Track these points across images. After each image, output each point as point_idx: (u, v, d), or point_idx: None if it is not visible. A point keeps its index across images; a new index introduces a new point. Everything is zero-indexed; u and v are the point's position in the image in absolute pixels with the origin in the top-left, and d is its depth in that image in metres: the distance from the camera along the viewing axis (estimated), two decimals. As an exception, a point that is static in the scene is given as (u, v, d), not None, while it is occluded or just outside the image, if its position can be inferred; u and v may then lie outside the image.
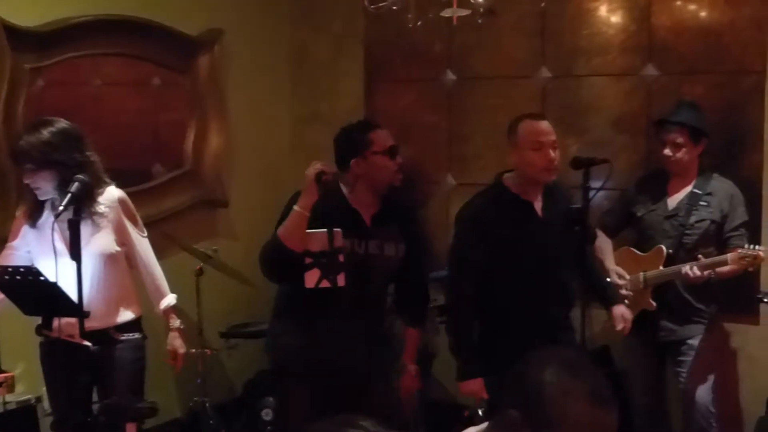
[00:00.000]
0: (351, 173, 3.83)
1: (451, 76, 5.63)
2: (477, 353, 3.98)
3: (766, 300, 4.48)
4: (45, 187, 3.67)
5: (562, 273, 3.90)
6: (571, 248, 3.85)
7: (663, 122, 4.45)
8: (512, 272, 3.89)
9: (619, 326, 4.12)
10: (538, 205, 3.93)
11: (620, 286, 4.47)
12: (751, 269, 4.26)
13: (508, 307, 3.93)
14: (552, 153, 3.82)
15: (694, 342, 4.46)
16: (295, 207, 3.60)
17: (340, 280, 3.64)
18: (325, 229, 3.55)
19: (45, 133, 3.63)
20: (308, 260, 3.62)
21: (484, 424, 2.05)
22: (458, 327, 4.05)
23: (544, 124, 3.89)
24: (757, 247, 4.22)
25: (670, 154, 4.38)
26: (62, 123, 3.71)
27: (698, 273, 4.22)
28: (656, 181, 4.57)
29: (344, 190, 3.86)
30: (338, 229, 3.61)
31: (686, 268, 4.24)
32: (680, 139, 4.36)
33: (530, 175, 3.87)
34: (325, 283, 3.62)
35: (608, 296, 4.21)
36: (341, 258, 3.60)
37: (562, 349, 2.01)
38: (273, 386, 4.87)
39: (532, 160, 3.82)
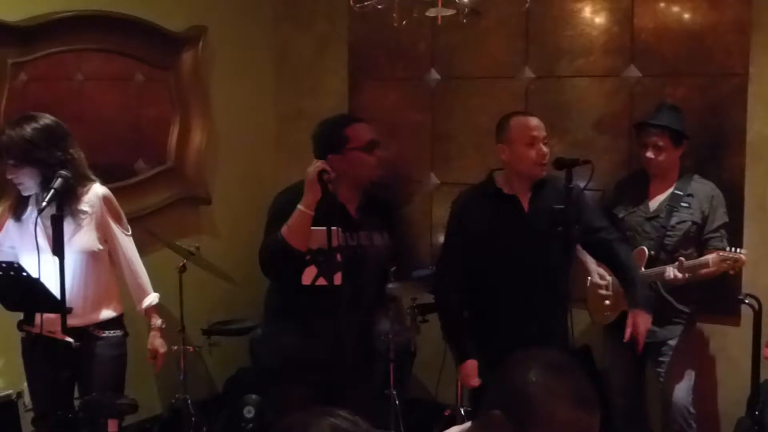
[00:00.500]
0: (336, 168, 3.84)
1: (434, 75, 5.65)
2: (466, 336, 4.01)
3: (747, 301, 4.52)
4: (27, 183, 3.66)
5: (549, 269, 3.88)
6: (557, 247, 3.85)
7: (644, 125, 4.48)
8: (495, 265, 3.91)
9: (627, 332, 3.99)
10: (524, 201, 3.94)
11: (601, 287, 4.49)
12: (732, 272, 4.28)
13: (493, 299, 3.95)
14: (544, 148, 3.85)
15: (674, 343, 4.48)
16: (299, 206, 3.59)
17: (337, 279, 3.64)
18: (324, 228, 3.55)
19: (27, 129, 3.62)
20: (306, 257, 3.63)
21: (467, 424, 2.06)
22: (445, 312, 4.11)
23: (535, 120, 3.92)
24: (738, 249, 4.25)
25: (652, 156, 4.41)
26: (46, 119, 3.70)
27: (679, 275, 4.24)
28: (637, 182, 4.60)
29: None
30: (336, 228, 3.62)
31: (669, 271, 4.26)
32: (661, 142, 4.39)
33: (522, 170, 3.89)
34: (321, 281, 3.63)
35: (630, 296, 4.06)
36: (339, 257, 3.61)
37: (545, 350, 2.00)
38: (258, 385, 4.89)
39: (526, 154, 3.85)
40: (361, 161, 3.78)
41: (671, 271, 4.25)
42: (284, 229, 3.60)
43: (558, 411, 1.84)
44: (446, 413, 5.04)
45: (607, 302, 4.48)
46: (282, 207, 3.71)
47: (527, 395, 1.85)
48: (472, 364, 3.95)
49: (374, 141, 3.81)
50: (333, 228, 3.55)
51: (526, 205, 3.94)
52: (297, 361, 3.80)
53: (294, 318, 3.83)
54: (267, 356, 3.98)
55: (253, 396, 5.06)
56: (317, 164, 3.60)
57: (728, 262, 4.21)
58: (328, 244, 3.54)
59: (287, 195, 3.78)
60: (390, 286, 4.96)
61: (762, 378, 4.53)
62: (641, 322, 3.95)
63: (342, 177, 3.77)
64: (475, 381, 3.93)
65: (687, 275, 4.24)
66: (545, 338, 3.73)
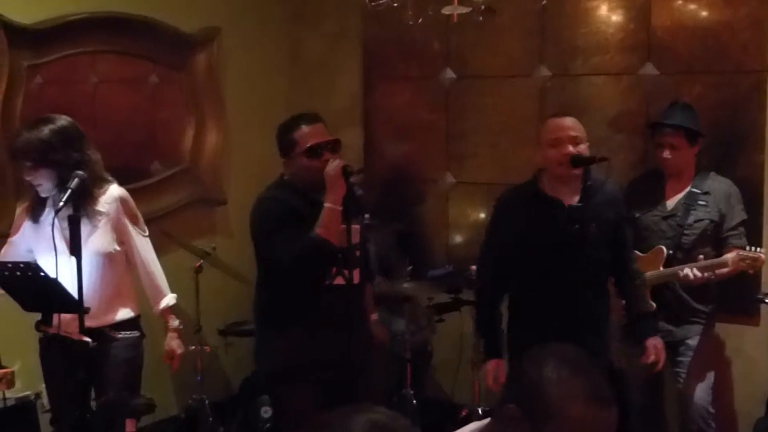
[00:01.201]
0: (286, 171, 3.87)
1: (449, 74, 5.63)
2: (497, 335, 4.04)
3: (767, 301, 4.48)
4: (45, 184, 3.67)
5: (589, 272, 3.86)
6: (598, 249, 3.85)
7: (658, 125, 4.45)
8: (534, 266, 3.89)
9: (650, 359, 4.04)
10: (568, 201, 3.89)
11: None
12: (751, 271, 4.25)
13: (532, 301, 3.93)
14: (571, 148, 3.81)
15: (692, 342, 4.45)
16: (328, 204, 3.62)
17: (356, 277, 3.66)
18: (344, 225, 3.56)
19: (45, 130, 3.62)
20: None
21: (485, 420, 2.05)
22: (478, 308, 4.16)
23: (566, 120, 3.90)
24: (758, 249, 4.22)
25: (668, 156, 4.38)
26: (63, 120, 3.70)
27: (698, 275, 4.22)
28: (652, 182, 4.57)
29: (292, 182, 3.87)
30: (356, 226, 3.63)
31: (686, 271, 4.23)
32: (676, 142, 4.37)
33: (552, 171, 3.89)
34: (339, 280, 3.64)
35: (641, 328, 4.12)
36: (358, 253, 3.62)
37: (562, 346, 2.00)
38: (269, 390, 4.88)
39: (549, 154, 3.84)
40: (305, 166, 3.76)
41: (687, 271, 4.23)
42: (320, 230, 3.62)
43: (572, 407, 1.84)
44: (463, 413, 5.02)
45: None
46: (282, 210, 3.73)
47: (543, 391, 1.86)
48: (496, 364, 3.96)
49: (320, 144, 3.76)
50: (353, 226, 3.58)
51: (567, 206, 3.90)
52: (308, 362, 3.79)
53: (294, 320, 3.81)
54: (276, 359, 3.96)
55: (269, 396, 5.05)
56: (337, 162, 3.63)
57: (747, 261, 4.19)
58: (348, 241, 3.55)
59: (277, 196, 3.80)
60: (405, 285, 4.97)
61: (781, 377, 4.51)
62: (661, 349, 4.07)
63: (295, 179, 3.79)
64: (493, 383, 3.94)
65: (705, 274, 4.21)
66: (582, 335, 3.70)
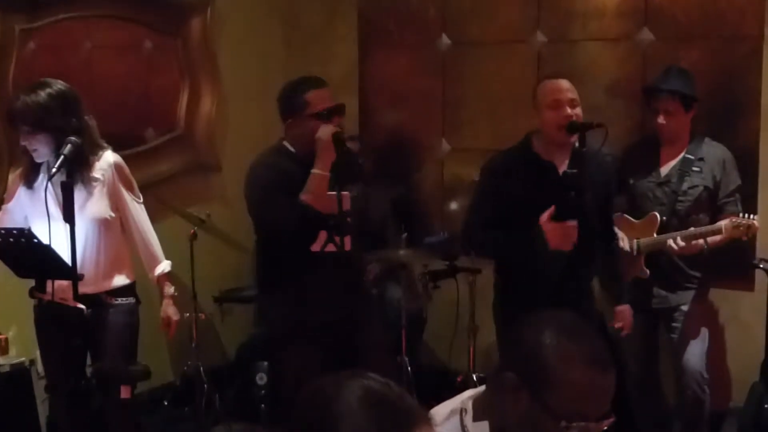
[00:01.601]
0: (289, 132, 3.84)
1: (445, 40, 5.60)
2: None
3: (761, 266, 4.48)
4: (41, 149, 3.63)
5: (582, 236, 3.80)
6: (591, 214, 3.84)
7: (653, 90, 4.43)
8: (527, 228, 3.85)
9: (617, 324, 4.10)
10: (561, 167, 3.89)
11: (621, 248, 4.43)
12: (744, 238, 4.25)
13: (523, 267, 3.90)
14: (569, 110, 3.79)
15: (686, 308, 4.46)
16: (315, 170, 3.62)
17: (347, 244, 3.65)
18: (334, 192, 3.55)
19: (42, 95, 3.59)
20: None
21: (482, 387, 2.05)
22: (483, 240, 4.02)
23: (562, 83, 3.88)
24: (751, 216, 4.21)
25: (663, 122, 4.36)
26: (60, 85, 3.67)
27: (683, 244, 4.21)
28: (647, 148, 4.55)
29: (290, 148, 3.85)
30: (346, 192, 3.62)
31: (673, 240, 4.22)
32: (672, 107, 4.34)
33: (549, 134, 3.85)
34: (330, 247, 3.63)
35: (616, 294, 4.17)
36: (349, 220, 3.60)
37: (558, 312, 1.99)
38: (267, 352, 4.89)
39: (549, 117, 3.81)
40: (314, 128, 3.74)
41: (675, 240, 4.22)
42: (305, 196, 3.61)
43: (573, 372, 1.83)
44: (458, 379, 5.04)
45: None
46: (275, 176, 3.72)
47: (542, 357, 1.85)
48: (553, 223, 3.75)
49: (333, 108, 3.78)
50: (344, 192, 3.56)
51: (560, 172, 3.89)
52: (307, 326, 3.79)
53: (299, 284, 3.81)
54: (276, 323, 3.98)
55: (265, 363, 5.06)
56: (329, 128, 3.62)
57: (741, 228, 4.17)
58: (339, 208, 3.54)
59: (270, 163, 3.80)
60: (401, 252, 4.96)
61: (776, 343, 4.51)
62: (629, 316, 4.11)
63: (297, 141, 3.77)
64: (574, 232, 3.74)
65: (700, 243, 4.20)
66: (575, 300, 3.72)
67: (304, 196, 3.62)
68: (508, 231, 3.85)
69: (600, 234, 4.02)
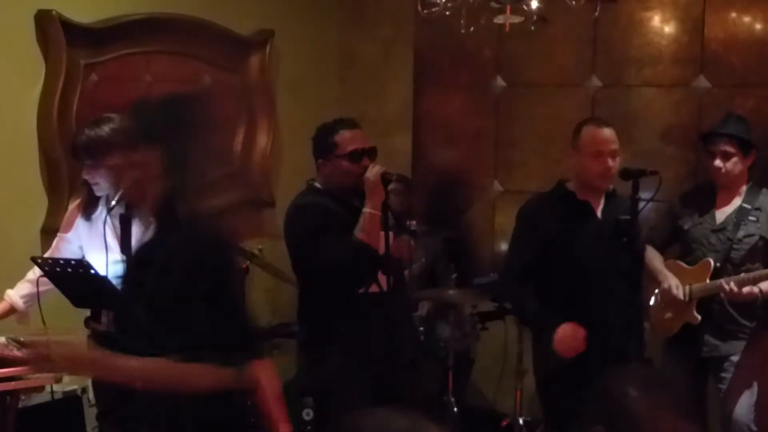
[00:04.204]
0: (320, 173, 3.90)
1: (500, 82, 5.63)
2: (547, 309, 3.89)
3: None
4: (102, 183, 3.69)
5: (621, 277, 3.84)
6: (626, 255, 3.83)
7: (712, 134, 4.41)
8: (566, 270, 3.88)
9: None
10: (597, 208, 3.92)
11: (669, 296, 4.39)
12: None
13: (563, 307, 3.89)
14: (610, 162, 3.84)
15: (737, 359, 4.41)
16: (368, 210, 3.68)
17: (384, 284, 3.68)
18: (382, 232, 3.59)
19: (106, 129, 3.65)
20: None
21: None
22: (518, 300, 4.07)
23: (607, 132, 3.90)
24: None
25: (720, 165, 4.33)
26: (124, 121, 3.74)
27: (735, 289, 4.16)
28: (703, 194, 4.52)
29: (320, 188, 3.92)
30: (404, 236, 3.67)
31: (727, 284, 4.19)
32: (730, 149, 4.31)
33: (586, 180, 3.90)
34: (374, 288, 3.67)
35: None
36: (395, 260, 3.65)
37: (638, 365, 2.06)
38: (314, 388, 4.90)
39: (590, 166, 3.85)
40: (344, 169, 3.81)
41: (728, 283, 4.18)
42: (361, 235, 3.67)
43: (660, 423, 1.88)
44: (504, 423, 5.01)
45: (669, 314, 4.41)
46: (323, 215, 3.78)
47: (630, 410, 1.90)
48: (568, 325, 3.79)
49: (361, 150, 3.83)
50: (391, 233, 3.60)
51: (598, 212, 3.92)
52: (350, 367, 3.80)
53: (343, 326, 3.82)
54: (318, 365, 3.99)
55: (311, 398, 5.07)
56: (377, 168, 3.67)
57: None
58: (386, 248, 3.58)
59: (314, 202, 3.86)
60: (450, 292, 4.97)
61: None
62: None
63: (328, 182, 3.82)
64: (583, 344, 3.78)
65: (755, 290, 4.16)
66: (619, 346, 3.71)
67: (360, 235, 3.66)
68: (545, 281, 3.89)
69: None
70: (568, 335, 3.78)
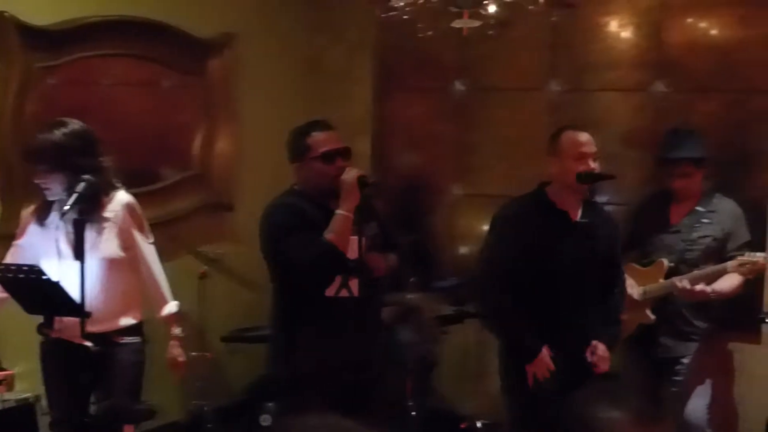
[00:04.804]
0: (297, 176, 3.88)
1: (461, 86, 5.63)
2: (530, 329, 3.90)
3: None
4: (55, 188, 3.65)
5: (596, 285, 3.90)
6: (604, 263, 3.91)
7: (667, 160, 4.44)
8: (544, 277, 3.88)
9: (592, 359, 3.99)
10: (575, 216, 3.94)
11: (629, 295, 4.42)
12: (751, 277, 4.24)
13: (541, 313, 3.89)
14: (592, 164, 3.85)
15: (688, 361, 4.43)
16: (341, 211, 3.66)
17: (355, 289, 3.68)
18: (356, 236, 3.58)
19: (59, 134, 3.62)
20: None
21: None
22: (499, 314, 4.04)
23: (586, 136, 3.93)
24: (757, 254, 4.20)
25: (682, 185, 4.39)
26: (77, 125, 3.70)
27: (688, 286, 4.19)
28: (660, 199, 4.56)
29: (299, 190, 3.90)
30: (365, 237, 3.66)
31: (680, 281, 4.22)
32: (686, 171, 4.38)
33: (568, 185, 3.90)
34: (344, 292, 3.67)
35: (608, 335, 4.07)
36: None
37: (600, 382, 2.09)
38: (275, 393, 4.89)
39: (573, 168, 3.85)
40: (318, 171, 3.79)
41: (682, 281, 4.21)
42: (331, 236, 3.64)
43: None
44: (462, 426, 5.01)
45: (624, 315, 4.43)
46: (293, 215, 3.75)
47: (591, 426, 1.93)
48: (547, 353, 3.86)
49: (334, 151, 3.81)
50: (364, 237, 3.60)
51: (577, 219, 3.93)
52: (319, 370, 3.79)
53: (314, 329, 3.81)
54: (288, 366, 3.97)
55: (270, 404, 5.05)
56: (354, 171, 3.67)
57: (747, 266, 4.17)
58: (359, 252, 3.57)
59: (287, 202, 3.83)
60: (411, 296, 4.96)
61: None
62: (600, 352, 3.92)
63: (306, 185, 3.81)
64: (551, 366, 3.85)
65: (708, 289, 4.19)
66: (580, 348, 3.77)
67: (328, 236, 3.65)
68: (520, 287, 3.88)
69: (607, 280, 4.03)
70: (544, 363, 3.84)
